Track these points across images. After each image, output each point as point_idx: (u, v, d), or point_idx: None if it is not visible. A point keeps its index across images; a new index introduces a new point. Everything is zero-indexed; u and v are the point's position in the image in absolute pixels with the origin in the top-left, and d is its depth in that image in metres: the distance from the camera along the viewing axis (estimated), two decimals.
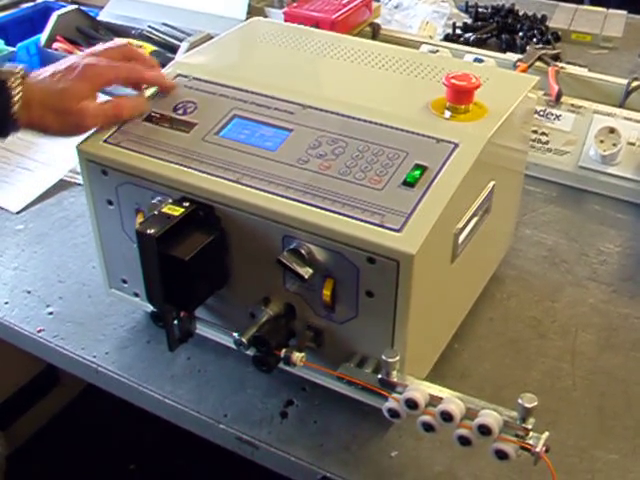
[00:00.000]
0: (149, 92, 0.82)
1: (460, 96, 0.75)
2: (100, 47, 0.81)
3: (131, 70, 0.80)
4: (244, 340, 0.70)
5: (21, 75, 0.74)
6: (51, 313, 0.90)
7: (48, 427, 1.69)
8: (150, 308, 0.74)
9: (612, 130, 1.11)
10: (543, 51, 1.31)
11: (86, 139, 0.78)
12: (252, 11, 1.41)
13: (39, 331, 0.88)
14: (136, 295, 0.84)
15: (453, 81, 0.75)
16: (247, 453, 0.76)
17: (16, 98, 0.72)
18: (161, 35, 1.38)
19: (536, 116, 1.15)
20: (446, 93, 0.75)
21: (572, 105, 1.17)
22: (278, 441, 0.75)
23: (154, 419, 0.83)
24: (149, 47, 1.33)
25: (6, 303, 0.92)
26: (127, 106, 0.79)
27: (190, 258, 0.67)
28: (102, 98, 0.78)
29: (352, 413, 0.76)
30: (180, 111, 0.79)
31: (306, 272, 0.67)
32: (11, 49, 1.31)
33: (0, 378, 1.52)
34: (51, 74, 0.75)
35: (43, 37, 1.36)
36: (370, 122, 0.74)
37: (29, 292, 0.94)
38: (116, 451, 1.66)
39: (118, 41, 0.86)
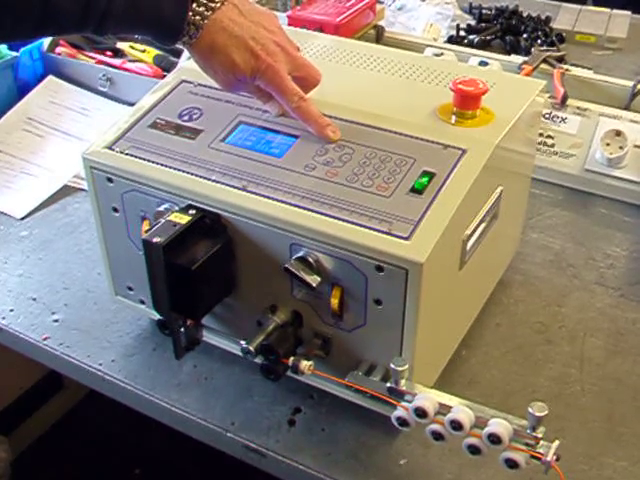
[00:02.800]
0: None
1: (467, 101, 0.74)
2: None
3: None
4: (252, 348, 0.69)
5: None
6: (56, 320, 0.90)
7: (52, 431, 1.68)
8: (156, 315, 0.74)
9: (618, 133, 1.10)
10: (548, 53, 1.30)
11: (91, 146, 0.78)
12: None
13: (45, 339, 0.87)
14: (142, 302, 0.83)
15: (460, 86, 0.74)
16: (254, 461, 0.76)
17: (203, 9, 0.70)
18: None
19: (542, 119, 1.15)
20: (453, 98, 0.75)
21: (578, 108, 1.16)
22: (286, 449, 0.74)
23: (159, 423, 0.82)
24: (152, 51, 1.32)
25: (11, 310, 0.91)
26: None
27: (197, 267, 0.67)
28: None
29: (360, 421, 0.76)
30: (185, 117, 0.79)
31: (314, 280, 0.67)
32: (14, 54, 1.30)
33: (3, 382, 1.51)
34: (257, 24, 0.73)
35: (46, 42, 1.35)
36: (377, 128, 0.74)
37: (34, 299, 0.93)
38: (121, 455, 1.65)
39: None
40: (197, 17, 0.70)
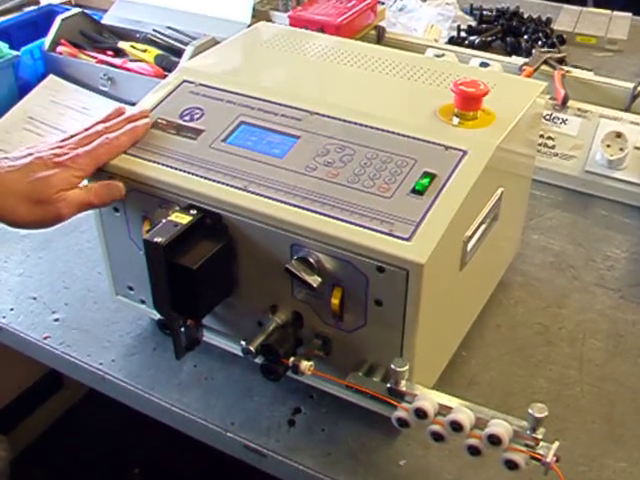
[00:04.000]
0: None
1: (468, 103, 0.74)
2: (76, 138, 0.76)
3: (109, 151, 0.75)
4: (252, 349, 0.70)
5: None
6: (57, 319, 0.90)
7: (52, 430, 1.68)
8: (156, 315, 0.74)
9: (619, 134, 1.10)
10: (548, 54, 1.31)
11: None
12: (257, 15, 1.40)
13: (45, 338, 0.87)
14: (142, 302, 0.83)
15: (461, 87, 0.74)
16: (254, 461, 0.76)
17: None
18: (166, 39, 1.37)
19: (542, 120, 1.15)
20: (454, 100, 0.75)
21: (578, 109, 1.16)
22: (286, 449, 0.74)
23: (159, 423, 0.82)
24: (154, 51, 1.32)
25: (12, 309, 0.92)
26: (100, 194, 0.74)
27: (198, 267, 0.67)
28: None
29: (360, 421, 0.76)
30: (187, 117, 0.79)
31: (314, 281, 0.67)
32: (15, 53, 1.30)
33: (3, 381, 1.51)
34: (29, 162, 0.72)
35: (47, 41, 1.36)
36: (378, 129, 0.74)
37: (35, 298, 0.93)
38: (120, 455, 1.65)
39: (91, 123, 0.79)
40: None
